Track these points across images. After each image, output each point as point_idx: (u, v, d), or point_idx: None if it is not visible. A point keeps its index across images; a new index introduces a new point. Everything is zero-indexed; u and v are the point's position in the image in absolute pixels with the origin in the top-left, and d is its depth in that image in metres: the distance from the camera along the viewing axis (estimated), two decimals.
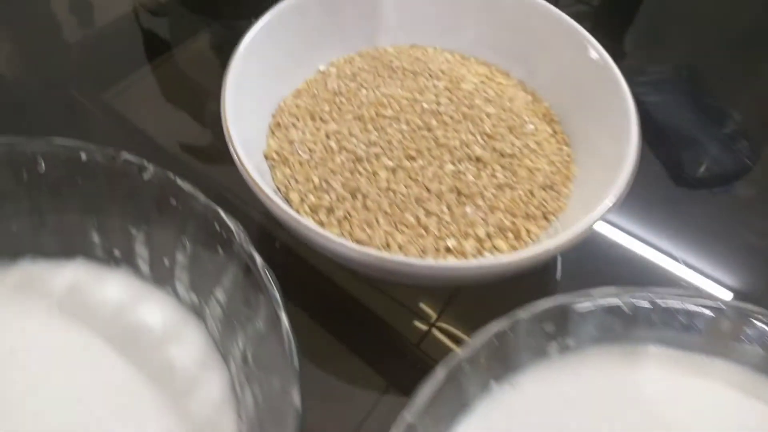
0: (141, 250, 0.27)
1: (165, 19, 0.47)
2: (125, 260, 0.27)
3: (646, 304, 0.23)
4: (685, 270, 0.34)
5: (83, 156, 0.25)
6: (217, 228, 0.23)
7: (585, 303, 0.23)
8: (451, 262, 0.25)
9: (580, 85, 0.33)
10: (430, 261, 0.26)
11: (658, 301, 0.24)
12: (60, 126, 0.39)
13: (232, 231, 0.23)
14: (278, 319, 0.21)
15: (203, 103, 0.41)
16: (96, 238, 0.27)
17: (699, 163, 0.43)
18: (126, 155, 0.24)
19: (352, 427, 0.27)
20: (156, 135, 0.38)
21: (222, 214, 0.23)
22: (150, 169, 0.24)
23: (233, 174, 0.29)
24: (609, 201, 0.27)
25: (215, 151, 0.38)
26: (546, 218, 0.30)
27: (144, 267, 0.27)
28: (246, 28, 0.49)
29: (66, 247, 0.27)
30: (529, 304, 0.22)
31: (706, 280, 0.34)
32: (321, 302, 0.31)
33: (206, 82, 0.43)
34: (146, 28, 0.46)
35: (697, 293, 0.26)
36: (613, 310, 0.23)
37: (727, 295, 0.34)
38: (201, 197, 0.24)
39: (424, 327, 0.31)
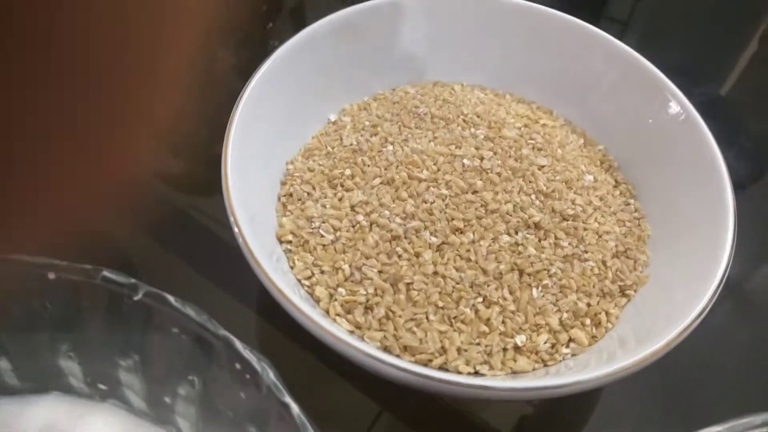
0: (132, 383, 0.21)
1: None
2: (113, 394, 0.21)
3: None
4: None
5: (51, 275, 0.19)
6: (238, 367, 0.18)
7: None
8: (538, 381, 0.20)
9: (647, 128, 0.28)
10: (511, 382, 0.20)
11: None
12: None
13: (257, 372, 0.17)
14: None
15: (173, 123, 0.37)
16: (73, 368, 0.21)
17: None
18: (107, 272, 0.19)
19: None
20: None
21: (242, 350, 0.17)
22: (141, 289, 0.19)
23: (216, 204, 0.24)
24: (714, 283, 0.22)
25: (193, 180, 0.34)
26: (624, 294, 0.25)
27: (137, 401, 0.21)
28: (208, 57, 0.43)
29: (35, 380, 0.21)
30: None
31: None
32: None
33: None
34: None
35: None
36: None
37: None
38: (213, 326, 0.18)
39: None
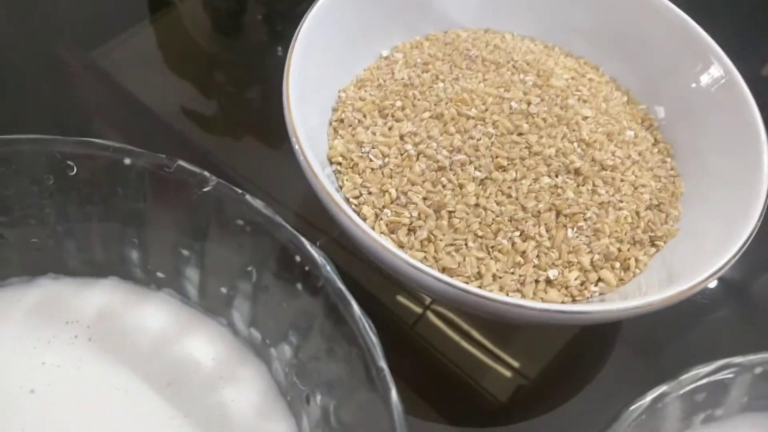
0: (191, 274, 0.22)
1: None
2: (169, 283, 0.23)
3: None
4: None
5: (126, 161, 0.20)
6: (298, 259, 0.19)
7: (743, 375, 0.19)
8: (568, 306, 0.21)
9: (690, 90, 0.29)
10: (544, 304, 0.22)
11: None
12: (41, 87, 0.34)
13: (317, 265, 0.19)
14: (383, 386, 0.17)
15: (204, 69, 0.37)
16: (135, 255, 0.22)
17: None
18: (182, 163, 0.20)
19: None
20: (149, 101, 0.34)
21: (306, 243, 0.19)
22: (212, 181, 0.20)
23: (242, 150, 0.29)
24: (740, 242, 0.23)
25: (221, 123, 0.35)
26: (654, 244, 0.26)
27: (192, 292, 0.23)
28: None
29: (97, 264, 0.23)
30: (678, 375, 0.18)
31: None
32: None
33: (208, 46, 0.39)
34: None
35: None
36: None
37: None
38: (278, 220, 0.19)
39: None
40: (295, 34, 0.27)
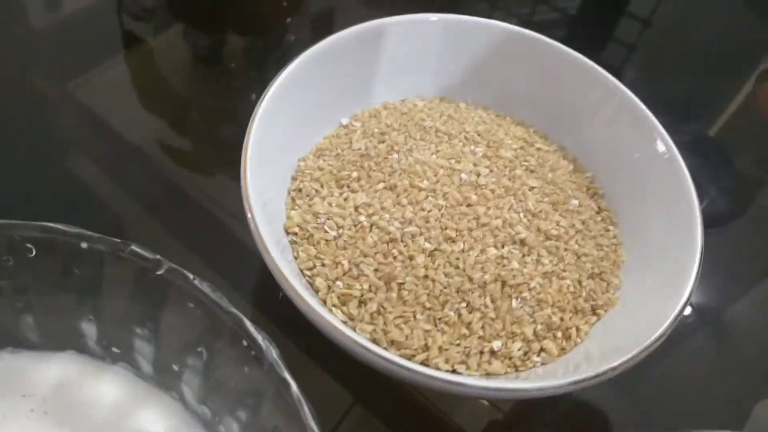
0: (144, 349, 0.23)
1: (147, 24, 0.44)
2: (124, 358, 0.23)
3: None
4: None
5: (83, 245, 0.21)
6: (244, 344, 0.20)
7: None
8: (508, 383, 0.22)
9: (633, 162, 0.30)
10: (485, 382, 0.23)
11: None
12: (19, 117, 0.36)
13: (261, 349, 0.20)
14: None
15: (178, 106, 0.39)
16: (91, 331, 0.23)
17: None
18: (136, 247, 0.21)
19: None
20: (126, 133, 0.36)
21: (251, 328, 0.20)
22: (164, 265, 0.21)
23: (216, 184, 0.31)
24: (675, 312, 0.24)
25: (194, 157, 0.37)
26: (595, 312, 0.27)
27: (146, 367, 0.23)
28: (224, 43, 0.45)
29: (54, 338, 0.23)
30: None
31: None
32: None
33: (181, 83, 0.41)
34: (126, 29, 0.43)
35: None
36: None
37: None
38: (225, 304, 0.20)
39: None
40: (257, 106, 0.28)
